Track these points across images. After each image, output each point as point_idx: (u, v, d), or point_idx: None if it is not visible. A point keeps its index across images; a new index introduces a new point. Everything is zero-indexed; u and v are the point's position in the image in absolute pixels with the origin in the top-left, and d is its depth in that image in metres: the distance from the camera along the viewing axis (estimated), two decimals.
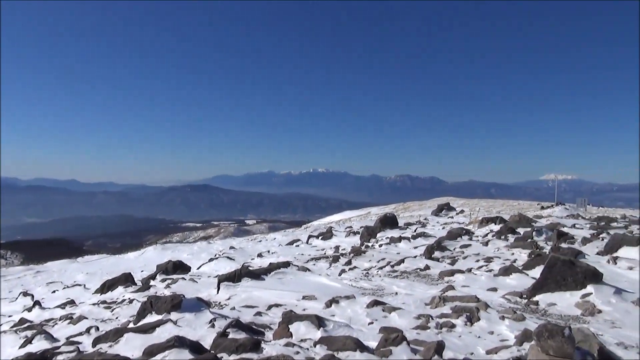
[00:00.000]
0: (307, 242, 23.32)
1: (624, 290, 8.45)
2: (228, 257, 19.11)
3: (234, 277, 11.14)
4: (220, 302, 9.55)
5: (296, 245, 23.04)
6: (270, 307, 8.55)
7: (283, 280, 11.33)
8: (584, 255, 12.41)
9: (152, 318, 7.43)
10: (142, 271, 19.59)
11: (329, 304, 8.40)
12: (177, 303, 7.57)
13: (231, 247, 25.28)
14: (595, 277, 8.57)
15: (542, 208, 39.35)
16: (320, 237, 23.78)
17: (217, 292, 10.50)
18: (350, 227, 30.49)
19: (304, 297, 9.23)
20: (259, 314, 8.06)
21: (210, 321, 7.01)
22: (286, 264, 13.14)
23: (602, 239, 15.05)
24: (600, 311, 7.62)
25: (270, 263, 13.85)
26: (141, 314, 7.78)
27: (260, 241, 30.49)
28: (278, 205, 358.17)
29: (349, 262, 14.76)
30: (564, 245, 14.60)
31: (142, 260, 26.08)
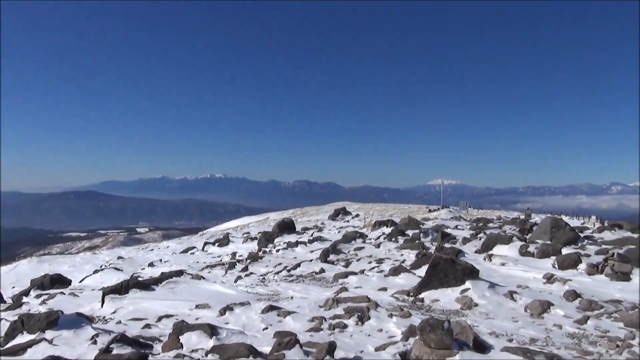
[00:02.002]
0: (202, 250, 22.64)
1: (497, 285, 9.34)
2: (115, 268, 17.89)
3: (120, 289, 10.44)
4: (104, 317, 8.89)
5: (191, 253, 22.26)
6: (160, 319, 8.14)
7: (175, 289, 10.86)
8: (464, 254, 13.53)
9: (23, 338, 6.68)
10: (13, 287, 17.57)
11: (223, 312, 8.22)
12: (53, 320, 6.89)
13: (119, 257, 23.69)
14: (472, 273, 9.38)
15: (430, 211, 42.18)
16: (216, 244, 23.23)
17: (102, 306, 9.77)
18: (248, 233, 30.16)
19: (197, 306, 8.94)
20: (147, 326, 7.63)
21: (92, 337, 6.48)
22: (179, 273, 12.64)
23: (480, 239, 16.54)
24: (476, 304, 8.33)
25: (162, 272, 13.22)
26: (10, 334, 6.96)
27: (152, 250, 28.98)
28: (173, 212, 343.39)
29: (245, 268, 14.59)
30: (447, 245, 15.80)
31: (14, 275, 23.42)
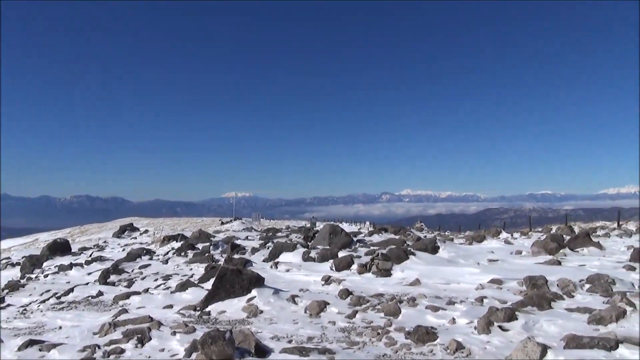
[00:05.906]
0: None
1: (281, 290, 9.78)
2: None
3: None
4: None
5: None
6: None
7: None
8: (252, 263, 13.87)
9: None
10: None
11: None
12: None
13: None
14: (258, 281, 9.65)
15: (222, 223, 42.34)
16: None
17: None
18: (9, 258, 25.62)
19: None
20: None
21: None
22: None
23: (268, 248, 17.17)
24: (262, 311, 8.57)
25: None
26: None
27: None
28: None
29: (1, 301, 12.30)
30: (236, 256, 15.97)
31: None
